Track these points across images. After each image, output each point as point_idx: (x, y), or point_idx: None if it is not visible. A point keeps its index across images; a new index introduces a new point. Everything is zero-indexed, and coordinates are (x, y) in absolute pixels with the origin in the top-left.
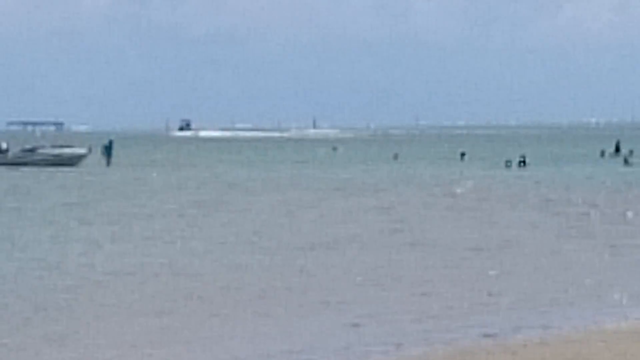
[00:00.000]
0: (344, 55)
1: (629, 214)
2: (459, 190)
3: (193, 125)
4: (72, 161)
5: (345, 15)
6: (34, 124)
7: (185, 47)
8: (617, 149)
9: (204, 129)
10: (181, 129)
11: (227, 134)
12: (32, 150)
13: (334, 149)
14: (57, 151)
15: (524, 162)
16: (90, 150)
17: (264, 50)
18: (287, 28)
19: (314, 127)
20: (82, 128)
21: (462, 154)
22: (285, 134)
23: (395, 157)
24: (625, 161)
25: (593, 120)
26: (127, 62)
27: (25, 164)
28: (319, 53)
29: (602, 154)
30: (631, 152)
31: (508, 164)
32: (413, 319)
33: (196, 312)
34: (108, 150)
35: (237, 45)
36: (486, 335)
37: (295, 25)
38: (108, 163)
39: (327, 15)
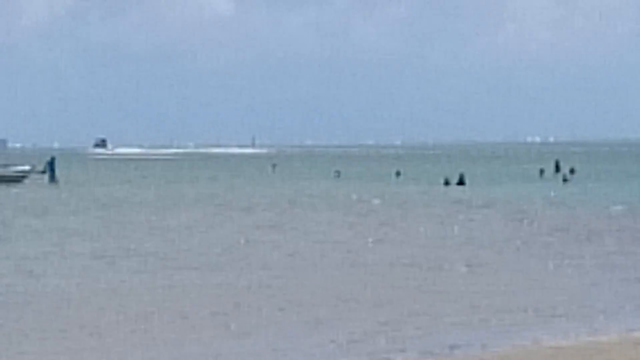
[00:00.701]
0: (284, 73)
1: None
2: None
3: (109, 144)
4: (17, 178)
5: (285, 33)
6: None
7: (124, 63)
8: (557, 168)
9: (122, 146)
10: (97, 145)
11: (145, 151)
12: None
13: (274, 166)
14: (1, 169)
15: (462, 180)
16: (34, 167)
17: (204, 67)
18: (227, 45)
19: (253, 144)
20: (18, 145)
21: (398, 173)
22: (217, 150)
23: (337, 174)
24: (564, 179)
25: (532, 139)
26: (65, 79)
27: None
28: (258, 71)
29: (542, 172)
30: (572, 170)
31: (446, 181)
32: (350, 337)
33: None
34: (51, 166)
35: (177, 62)
36: (424, 353)
37: (235, 43)
38: (52, 180)
39: (266, 33)
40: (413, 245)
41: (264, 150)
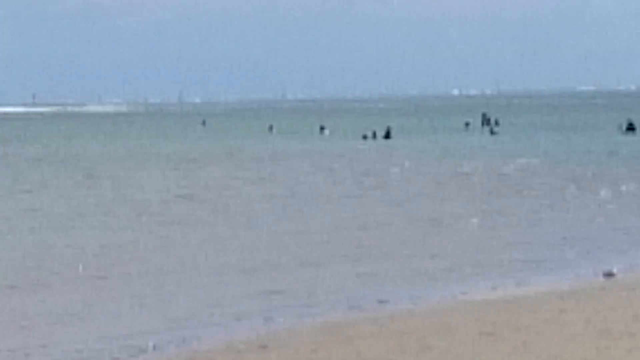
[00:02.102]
0: (210, 30)
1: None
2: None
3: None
4: None
5: None
6: None
7: (51, 21)
8: (485, 121)
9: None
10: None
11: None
12: None
13: (203, 122)
14: None
15: (388, 133)
16: None
17: (130, 25)
18: (154, 3)
19: (180, 100)
20: None
21: (322, 128)
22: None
23: (271, 129)
24: (491, 132)
25: (457, 92)
26: None
27: None
28: (185, 27)
29: (467, 125)
30: (496, 122)
31: (373, 135)
32: (280, 293)
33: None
34: None
35: (104, 20)
36: (352, 308)
37: (163, 1)
38: None
39: None
40: (336, 204)
41: (190, 108)
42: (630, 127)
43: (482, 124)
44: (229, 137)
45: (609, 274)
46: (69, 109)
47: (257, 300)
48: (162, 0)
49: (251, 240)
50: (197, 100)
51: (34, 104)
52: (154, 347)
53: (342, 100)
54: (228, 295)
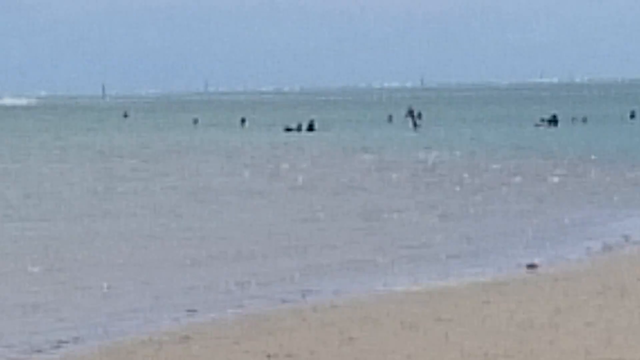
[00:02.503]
0: (132, 23)
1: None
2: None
3: None
4: None
5: None
6: None
7: None
8: (412, 113)
9: None
10: None
11: None
12: None
13: (125, 115)
14: None
15: (312, 126)
16: None
17: (52, 17)
18: None
19: (103, 94)
20: None
21: (243, 120)
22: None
23: (195, 122)
24: (414, 125)
25: (379, 85)
26: None
27: None
28: (106, 20)
29: (390, 118)
30: (419, 115)
31: (298, 127)
32: (204, 287)
33: None
34: None
35: (23, 12)
36: (276, 301)
37: None
38: None
39: None
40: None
41: (117, 100)
42: (554, 119)
43: (406, 116)
44: (153, 130)
45: (531, 266)
46: None
47: (181, 294)
48: None
49: (171, 233)
50: (120, 93)
51: None
52: (75, 340)
53: (265, 93)
54: (153, 288)
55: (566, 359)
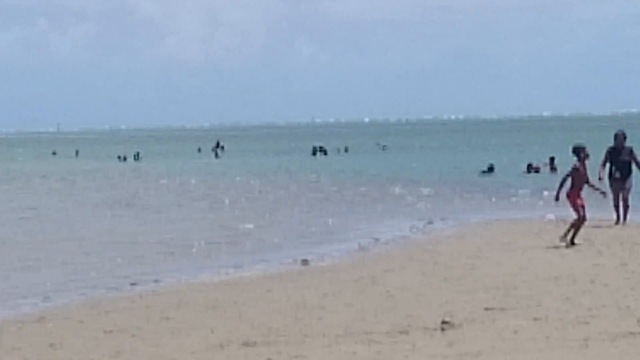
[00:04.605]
0: None
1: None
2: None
3: None
4: None
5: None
6: None
7: None
8: (217, 146)
9: None
10: None
11: None
12: None
13: None
14: None
15: (137, 156)
16: None
17: None
18: None
19: None
20: None
21: (77, 152)
22: None
23: (54, 153)
24: (216, 155)
25: (190, 125)
26: None
27: None
28: None
29: (199, 150)
30: (222, 147)
31: (124, 158)
32: (56, 281)
33: None
34: None
35: None
36: (111, 289)
37: None
38: None
39: None
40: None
41: None
42: (321, 150)
43: (213, 149)
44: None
45: (305, 261)
46: None
47: (37, 286)
48: None
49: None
50: None
51: None
52: None
53: (96, 132)
54: (9, 284)
55: (330, 332)
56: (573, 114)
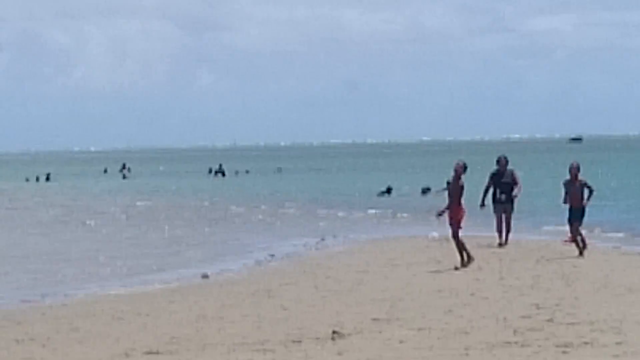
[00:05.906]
0: None
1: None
2: None
3: None
4: None
5: None
6: None
7: None
8: (123, 168)
9: None
10: None
11: None
12: None
13: None
14: None
15: (48, 177)
16: None
17: None
18: None
19: None
20: None
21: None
22: None
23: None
24: (124, 176)
25: (94, 148)
26: None
27: None
28: None
29: (105, 171)
30: (129, 169)
31: (37, 178)
32: None
33: None
34: None
35: None
36: (23, 301)
37: None
38: None
39: None
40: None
41: None
42: (220, 171)
43: (120, 170)
44: None
45: (205, 276)
46: None
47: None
48: None
49: None
50: None
51: None
52: None
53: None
54: None
55: (229, 341)
56: (455, 140)
